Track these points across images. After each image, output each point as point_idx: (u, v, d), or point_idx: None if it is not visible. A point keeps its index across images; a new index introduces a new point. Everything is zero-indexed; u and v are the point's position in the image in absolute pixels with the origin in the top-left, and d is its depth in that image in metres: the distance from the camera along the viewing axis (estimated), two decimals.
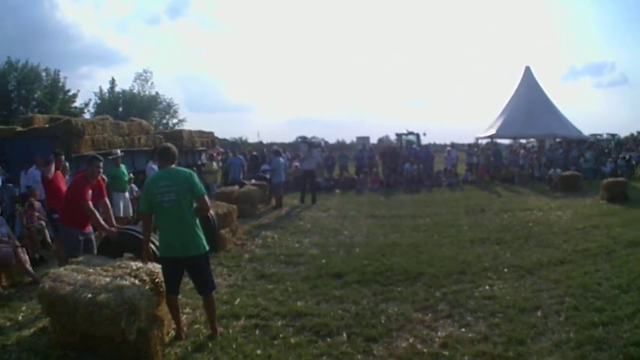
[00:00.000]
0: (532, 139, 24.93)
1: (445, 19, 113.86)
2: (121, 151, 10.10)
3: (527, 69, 24.22)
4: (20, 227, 7.72)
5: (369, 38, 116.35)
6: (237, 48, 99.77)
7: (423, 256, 6.98)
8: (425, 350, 3.93)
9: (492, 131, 22.79)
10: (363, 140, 30.10)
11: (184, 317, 4.48)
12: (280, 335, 4.25)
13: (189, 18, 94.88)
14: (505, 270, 6.17)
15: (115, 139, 12.06)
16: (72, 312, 3.65)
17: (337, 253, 7.36)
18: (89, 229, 5.36)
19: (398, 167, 18.45)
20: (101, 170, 5.42)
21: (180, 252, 4.00)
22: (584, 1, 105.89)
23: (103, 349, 3.78)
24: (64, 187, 6.24)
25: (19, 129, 11.56)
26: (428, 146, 24.21)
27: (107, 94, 34.79)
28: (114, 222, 5.57)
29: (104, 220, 5.25)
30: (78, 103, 30.85)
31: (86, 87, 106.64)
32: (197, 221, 4.13)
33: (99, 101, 34.12)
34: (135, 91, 36.01)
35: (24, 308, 5.15)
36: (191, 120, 59.72)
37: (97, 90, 35.35)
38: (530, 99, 22.77)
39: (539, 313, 4.64)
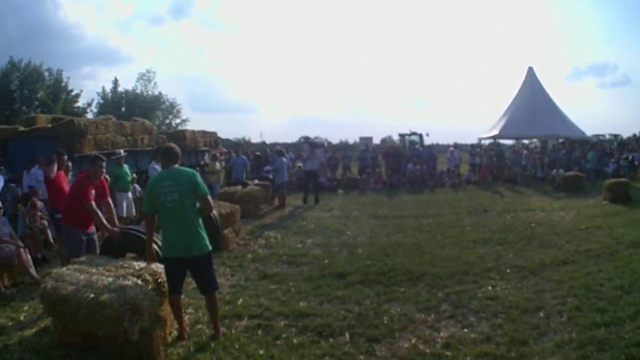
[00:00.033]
0: (534, 140, 24.87)
1: (448, 19, 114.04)
2: (124, 151, 10.12)
3: (530, 70, 24.22)
4: (22, 227, 7.74)
5: (372, 38, 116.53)
6: (240, 48, 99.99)
7: (426, 256, 6.96)
8: (427, 350, 3.92)
9: (495, 132, 22.79)
10: (366, 140, 30.15)
11: (186, 317, 4.48)
12: (283, 336, 4.24)
13: (192, 18, 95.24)
14: (508, 270, 6.16)
15: (118, 139, 12.08)
16: (75, 312, 3.65)
17: (340, 253, 7.35)
18: (92, 228, 5.37)
19: (401, 167, 18.41)
20: (104, 170, 5.41)
21: (183, 252, 4.00)
22: (587, 2, 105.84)
23: (105, 349, 3.79)
24: (66, 187, 6.25)
25: (22, 128, 11.57)
26: (431, 146, 24.18)
27: (109, 94, 34.92)
28: (117, 222, 5.59)
29: (107, 220, 5.25)
30: (81, 103, 31.10)
31: (89, 87, 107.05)
32: (200, 221, 4.13)
33: (101, 101, 34.27)
34: (138, 91, 36.17)
35: (26, 308, 5.16)
36: (194, 120, 60.11)
37: (100, 90, 35.51)
38: (533, 99, 22.77)
39: (541, 314, 4.63)
